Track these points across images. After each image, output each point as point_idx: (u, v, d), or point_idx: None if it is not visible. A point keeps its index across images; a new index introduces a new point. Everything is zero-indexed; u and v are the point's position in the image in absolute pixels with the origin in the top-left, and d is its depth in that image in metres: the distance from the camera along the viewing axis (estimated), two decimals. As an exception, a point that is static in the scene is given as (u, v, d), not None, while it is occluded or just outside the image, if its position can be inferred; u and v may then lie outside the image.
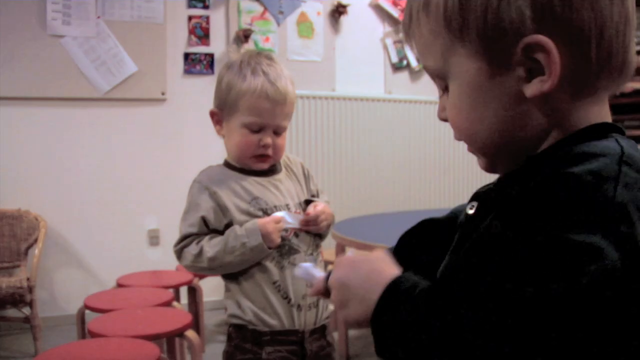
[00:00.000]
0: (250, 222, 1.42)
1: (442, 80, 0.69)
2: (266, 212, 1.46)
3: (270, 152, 1.48)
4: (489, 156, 0.70)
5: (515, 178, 0.65)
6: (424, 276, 0.63)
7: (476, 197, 0.73)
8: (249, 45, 4.23)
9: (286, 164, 1.60)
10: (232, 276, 1.46)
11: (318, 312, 1.48)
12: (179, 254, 1.46)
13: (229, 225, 1.45)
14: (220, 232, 1.45)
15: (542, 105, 0.62)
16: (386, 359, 0.64)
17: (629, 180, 0.55)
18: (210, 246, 1.42)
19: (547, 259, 0.52)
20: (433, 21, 0.65)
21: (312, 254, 1.50)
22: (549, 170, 0.58)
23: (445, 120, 0.71)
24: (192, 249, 1.43)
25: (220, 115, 1.52)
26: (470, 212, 0.71)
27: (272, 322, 1.42)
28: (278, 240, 1.42)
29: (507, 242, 0.55)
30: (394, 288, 0.63)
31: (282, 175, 1.55)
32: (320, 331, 1.50)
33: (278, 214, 1.45)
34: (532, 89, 0.60)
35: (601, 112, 0.64)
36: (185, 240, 1.46)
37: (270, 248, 1.41)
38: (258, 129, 1.46)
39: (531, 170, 0.62)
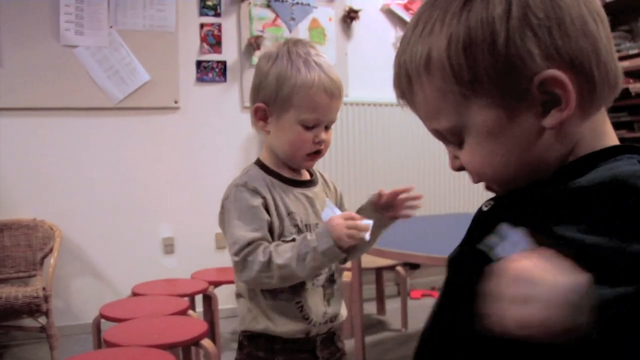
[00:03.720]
0: (321, 225, 1.35)
1: (455, 136, 0.70)
2: (299, 229, 1.39)
3: (323, 147, 1.41)
4: (510, 188, 0.72)
5: (538, 187, 0.68)
6: None
7: (494, 198, 0.76)
8: (261, 53, 4.23)
9: (323, 177, 1.55)
10: (253, 291, 1.39)
11: (333, 324, 1.46)
12: (243, 264, 1.32)
13: None
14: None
15: (559, 133, 0.65)
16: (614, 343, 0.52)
17: None
18: (279, 253, 1.30)
19: None
20: (438, 80, 0.66)
21: (332, 274, 1.46)
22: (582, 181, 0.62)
23: (460, 169, 0.75)
24: (260, 257, 1.30)
25: (267, 111, 1.40)
26: (485, 209, 0.75)
27: (287, 335, 1.38)
28: (351, 240, 1.30)
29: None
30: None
31: (318, 189, 1.49)
32: (330, 337, 1.47)
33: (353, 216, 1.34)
34: (551, 120, 0.64)
35: (605, 123, 0.70)
36: (249, 247, 1.32)
37: (342, 250, 1.30)
38: (313, 125, 1.38)
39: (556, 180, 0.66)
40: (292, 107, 1.36)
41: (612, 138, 0.70)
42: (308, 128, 1.38)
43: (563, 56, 0.62)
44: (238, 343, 1.47)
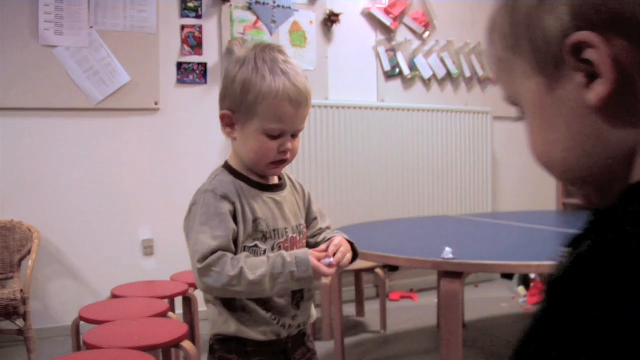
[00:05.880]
0: (302, 252, 1.35)
1: (517, 106, 0.63)
2: (265, 236, 1.39)
3: (289, 156, 1.40)
4: (577, 186, 0.60)
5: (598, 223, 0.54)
6: None
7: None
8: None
9: (291, 180, 1.54)
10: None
11: (304, 327, 1.48)
12: (206, 273, 1.29)
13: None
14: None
15: (615, 114, 0.52)
16: None
17: None
18: (251, 268, 1.29)
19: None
20: (498, 44, 0.61)
21: None
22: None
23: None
24: (229, 270, 1.28)
25: (233, 118, 1.38)
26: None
27: (259, 337, 1.38)
28: (329, 272, 1.36)
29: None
30: None
31: (287, 192, 1.48)
32: (300, 338, 1.48)
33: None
34: (592, 94, 0.52)
35: None
36: (213, 256, 1.30)
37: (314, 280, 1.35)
38: (279, 135, 1.36)
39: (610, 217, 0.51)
40: (256, 116, 1.34)
41: None
42: (273, 137, 1.36)
43: (601, 16, 0.51)
44: (209, 347, 1.45)
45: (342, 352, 3.17)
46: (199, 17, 4.18)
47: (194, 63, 4.17)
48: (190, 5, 4.15)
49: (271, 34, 4.35)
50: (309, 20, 4.50)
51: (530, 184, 5.51)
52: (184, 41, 4.15)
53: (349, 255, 1.44)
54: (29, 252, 3.49)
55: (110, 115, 3.97)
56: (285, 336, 1.42)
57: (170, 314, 2.60)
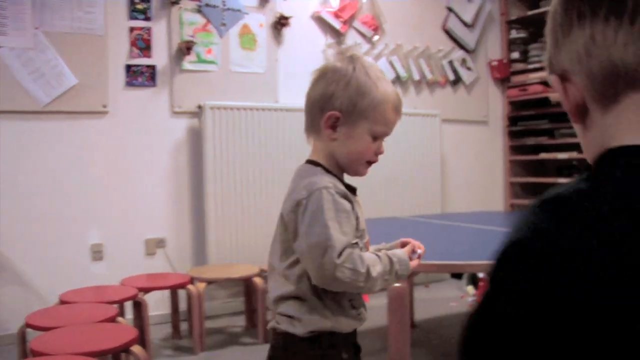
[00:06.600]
0: (400, 252, 1.51)
1: None
2: (362, 234, 1.49)
3: (378, 158, 1.54)
4: None
5: None
6: None
7: None
8: (191, 58, 4.22)
9: None
10: (317, 292, 1.44)
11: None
12: (340, 268, 1.36)
13: None
14: None
15: (591, 128, 0.70)
16: None
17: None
18: (372, 265, 1.41)
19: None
20: None
21: None
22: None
23: None
24: (359, 266, 1.37)
25: (340, 119, 1.46)
26: None
27: (348, 329, 1.48)
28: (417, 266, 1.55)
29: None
30: None
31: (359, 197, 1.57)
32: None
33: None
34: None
35: (621, 117, 0.65)
36: (345, 252, 1.37)
37: None
38: (379, 137, 1.49)
39: None
40: (366, 119, 1.45)
41: (627, 135, 0.64)
42: (374, 139, 1.48)
43: (560, 56, 0.73)
44: (289, 344, 1.47)
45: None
46: (147, 19, 4.15)
47: (142, 65, 4.13)
48: (139, 7, 4.11)
49: (221, 36, 4.35)
50: (259, 23, 4.50)
51: (478, 185, 5.63)
52: (133, 43, 4.11)
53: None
54: (-28, 259, 3.41)
55: (58, 118, 3.90)
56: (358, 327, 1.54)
57: (119, 318, 2.58)
